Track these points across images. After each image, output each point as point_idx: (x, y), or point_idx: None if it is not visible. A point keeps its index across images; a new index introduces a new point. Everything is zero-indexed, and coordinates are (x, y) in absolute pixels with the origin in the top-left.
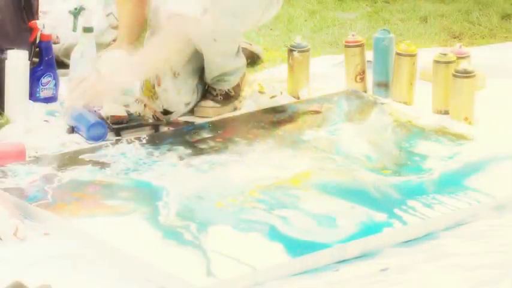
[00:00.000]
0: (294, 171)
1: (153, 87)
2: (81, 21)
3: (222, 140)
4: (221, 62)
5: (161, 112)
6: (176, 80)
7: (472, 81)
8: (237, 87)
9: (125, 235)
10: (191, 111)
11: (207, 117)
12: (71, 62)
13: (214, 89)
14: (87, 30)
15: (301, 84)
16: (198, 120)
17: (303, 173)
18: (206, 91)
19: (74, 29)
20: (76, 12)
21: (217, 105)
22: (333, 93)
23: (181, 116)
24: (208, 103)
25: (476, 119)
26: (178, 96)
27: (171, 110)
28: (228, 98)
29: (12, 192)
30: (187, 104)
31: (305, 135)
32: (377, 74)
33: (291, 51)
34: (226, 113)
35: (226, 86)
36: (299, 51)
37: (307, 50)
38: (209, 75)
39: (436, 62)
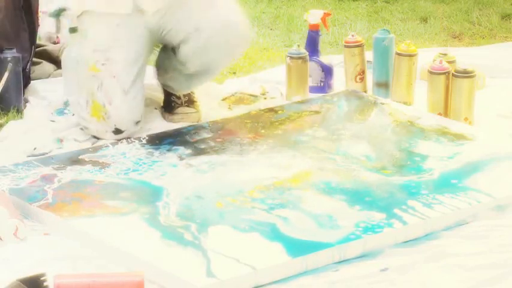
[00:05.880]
0: (294, 171)
1: (104, 107)
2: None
3: (222, 140)
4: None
5: (112, 132)
6: (127, 98)
7: (472, 81)
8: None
9: (125, 235)
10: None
11: (192, 123)
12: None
13: (178, 97)
14: (73, 30)
15: None
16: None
17: (303, 173)
18: (168, 102)
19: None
20: (57, 14)
21: (194, 110)
22: (332, 93)
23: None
24: (190, 109)
25: (476, 119)
26: (130, 114)
27: (122, 129)
28: (192, 102)
29: (12, 192)
30: (137, 122)
31: (305, 135)
32: (377, 74)
33: None
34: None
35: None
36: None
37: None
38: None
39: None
